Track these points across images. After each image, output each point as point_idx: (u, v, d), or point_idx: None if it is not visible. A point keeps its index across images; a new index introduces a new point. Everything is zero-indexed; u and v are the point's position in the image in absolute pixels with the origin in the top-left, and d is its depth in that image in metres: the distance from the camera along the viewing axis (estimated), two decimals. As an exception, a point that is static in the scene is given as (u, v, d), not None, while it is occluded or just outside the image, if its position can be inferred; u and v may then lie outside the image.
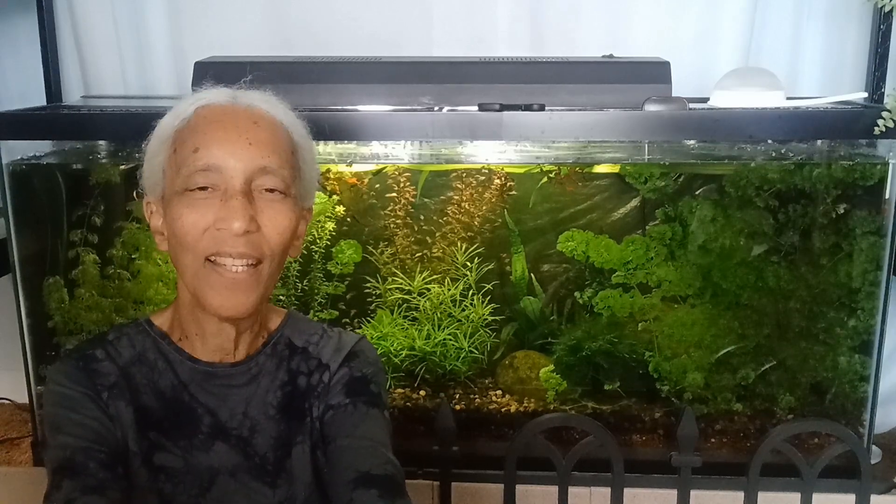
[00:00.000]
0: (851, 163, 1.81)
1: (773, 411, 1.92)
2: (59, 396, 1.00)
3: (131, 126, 1.63)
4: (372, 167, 1.98)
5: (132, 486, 1.00)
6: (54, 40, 2.05)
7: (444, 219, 2.03)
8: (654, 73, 1.73)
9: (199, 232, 0.96)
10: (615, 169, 1.96)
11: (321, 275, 2.01)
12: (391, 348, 1.99)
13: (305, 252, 1.98)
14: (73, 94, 2.13)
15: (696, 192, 1.94)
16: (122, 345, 1.05)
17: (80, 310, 1.93)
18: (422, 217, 2.03)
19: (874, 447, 1.91)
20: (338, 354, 1.10)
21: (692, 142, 1.79)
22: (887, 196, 1.79)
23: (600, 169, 1.96)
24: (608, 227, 2.01)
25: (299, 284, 2.01)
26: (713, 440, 1.92)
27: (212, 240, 0.96)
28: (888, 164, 1.78)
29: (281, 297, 1.98)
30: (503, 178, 2.01)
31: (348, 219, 2.01)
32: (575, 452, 1.70)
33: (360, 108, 1.71)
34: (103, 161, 1.91)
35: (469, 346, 2.01)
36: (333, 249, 2.01)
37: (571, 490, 1.73)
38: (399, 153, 1.81)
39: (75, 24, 2.08)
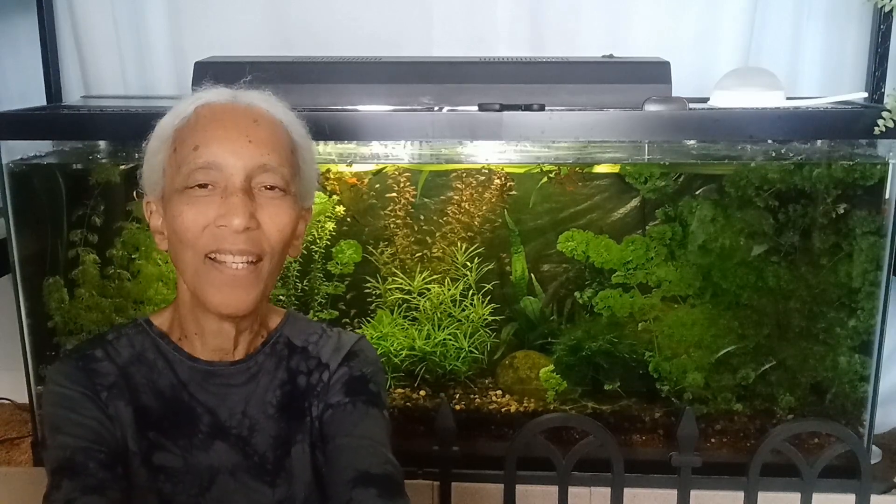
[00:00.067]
0: (851, 163, 1.81)
1: (773, 411, 1.92)
2: (58, 396, 1.00)
3: (131, 126, 1.63)
4: (372, 167, 1.98)
5: (132, 485, 1.00)
6: (54, 40, 2.05)
7: (444, 219, 2.03)
8: (654, 73, 1.73)
9: (199, 229, 0.97)
10: (615, 169, 1.96)
11: (321, 275, 2.01)
12: (391, 348, 1.99)
13: (305, 252, 1.98)
14: (73, 94, 2.13)
15: (696, 192, 1.94)
16: (122, 344, 1.05)
17: (80, 310, 1.93)
18: (422, 217, 2.03)
19: (874, 447, 1.91)
20: (337, 354, 1.10)
21: (692, 142, 1.79)
22: (887, 196, 1.79)
23: (600, 169, 1.97)
24: (608, 227, 2.01)
25: (299, 284, 2.01)
26: (713, 440, 1.92)
27: (212, 237, 0.97)
28: (888, 164, 1.78)
29: (281, 297, 1.98)
30: (503, 178, 2.01)
31: (348, 219, 2.02)
32: (575, 452, 1.69)
33: (360, 108, 1.71)
34: (103, 161, 1.91)
35: (469, 346, 2.01)
36: (333, 249, 2.01)
37: (571, 490, 1.73)
38: (399, 153, 1.81)
39: (75, 24, 2.08)
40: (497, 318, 2.03)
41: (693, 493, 1.76)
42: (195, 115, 1.00)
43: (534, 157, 1.86)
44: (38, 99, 2.06)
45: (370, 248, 2.03)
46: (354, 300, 2.04)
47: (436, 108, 1.69)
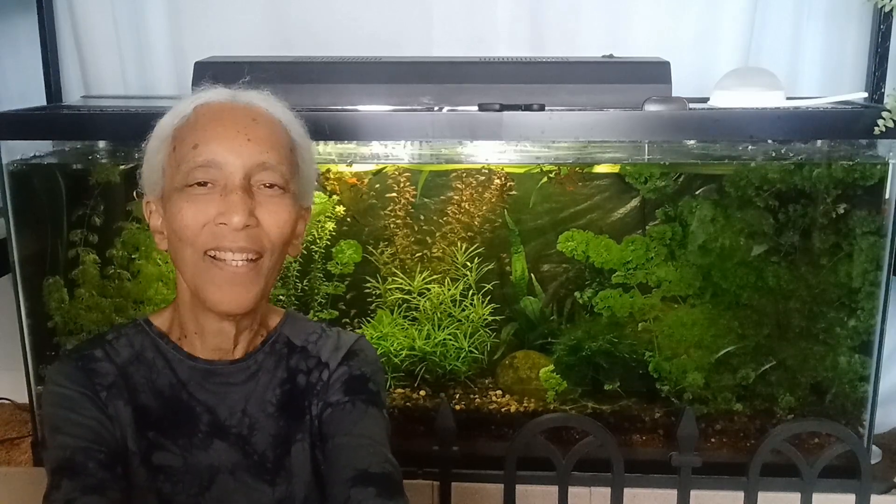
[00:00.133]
0: (851, 163, 1.81)
1: (773, 411, 1.92)
2: (58, 397, 1.00)
3: (131, 126, 1.63)
4: (372, 167, 1.98)
5: (131, 485, 1.00)
6: (54, 40, 2.05)
7: (444, 219, 2.03)
8: (654, 73, 1.73)
9: (199, 226, 0.97)
10: (615, 169, 1.96)
11: (321, 275, 2.01)
12: (391, 348, 1.99)
13: (305, 252, 1.98)
14: (73, 94, 2.13)
15: (696, 192, 1.94)
16: (121, 344, 1.05)
17: (80, 310, 1.93)
18: (422, 217, 2.03)
19: (874, 447, 1.91)
20: (337, 353, 1.11)
21: (692, 142, 1.79)
22: (887, 196, 1.79)
23: (600, 169, 1.97)
24: (608, 227, 2.01)
25: (299, 284, 2.01)
26: (713, 440, 1.92)
27: (211, 235, 0.97)
28: (888, 164, 1.78)
29: (281, 297, 1.98)
30: (503, 178, 2.01)
31: (348, 219, 2.01)
32: (575, 452, 1.69)
33: (360, 108, 1.71)
34: (103, 161, 1.91)
35: (469, 346, 2.01)
36: (333, 249, 2.01)
37: (571, 490, 1.73)
38: (399, 153, 1.81)
39: (75, 24, 2.08)
40: (497, 318, 2.03)
41: (693, 493, 1.76)
42: (194, 115, 1.01)
43: (534, 157, 1.86)
44: (38, 99, 2.06)
45: (370, 248, 2.03)
46: (354, 300, 2.04)
47: (436, 108, 1.69)
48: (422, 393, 2.02)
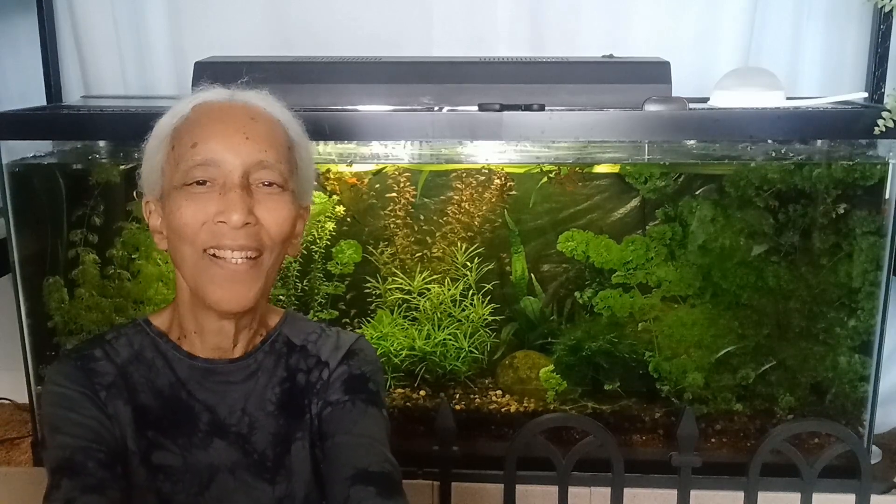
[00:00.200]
0: (851, 163, 1.81)
1: (773, 411, 1.92)
2: (57, 396, 1.00)
3: (131, 126, 1.63)
4: (372, 167, 1.98)
5: (131, 485, 1.00)
6: (54, 40, 2.05)
7: (444, 219, 2.03)
8: (654, 73, 1.73)
9: (198, 225, 0.97)
10: (615, 169, 1.96)
11: (321, 275, 2.01)
12: (391, 348, 1.99)
13: (305, 252, 1.98)
14: (73, 94, 2.13)
15: (696, 192, 1.94)
16: (121, 344, 1.05)
17: (80, 310, 1.93)
18: (422, 217, 2.03)
19: (874, 447, 1.91)
20: (337, 352, 1.11)
21: (692, 142, 1.79)
22: (887, 196, 1.79)
23: (600, 169, 1.97)
24: (608, 227, 2.01)
25: (299, 284, 2.01)
26: (713, 440, 1.92)
27: (211, 234, 0.97)
28: (888, 164, 1.78)
29: (281, 297, 1.98)
30: (503, 178, 2.01)
31: (348, 219, 2.01)
32: (575, 452, 1.69)
33: (360, 108, 1.71)
34: (103, 161, 1.91)
35: (469, 346, 2.01)
36: (333, 249, 2.01)
37: (571, 490, 1.73)
38: (399, 153, 1.81)
39: (75, 24, 2.08)
40: (497, 318, 2.03)
41: (693, 493, 1.76)
42: (193, 114, 1.01)
43: (534, 157, 1.86)
44: (38, 99, 2.06)
45: (370, 248, 2.03)
46: (354, 300, 2.04)
47: (436, 108, 1.69)
48: (422, 393, 2.02)
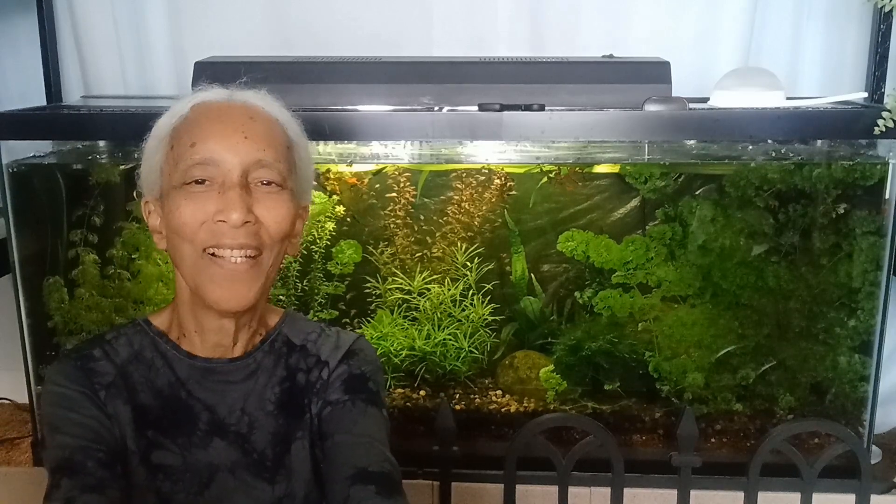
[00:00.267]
0: (851, 163, 1.81)
1: (773, 411, 1.92)
2: (57, 396, 1.00)
3: (131, 126, 1.63)
4: (372, 167, 1.98)
5: (131, 484, 1.00)
6: (54, 40, 2.05)
7: (444, 219, 2.03)
8: (654, 73, 1.73)
9: (198, 224, 0.97)
10: (615, 169, 1.96)
11: (321, 275, 2.01)
12: (391, 348, 1.99)
13: (305, 252, 1.98)
14: (73, 94, 2.13)
15: (696, 192, 1.94)
16: (120, 344, 1.05)
17: (80, 310, 1.93)
18: (422, 217, 2.03)
19: (874, 447, 1.91)
20: (337, 352, 1.11)
21: (692, 142, 1.79)
22: (887, 196, 1.79)
23: (600, 169, 1.96)
24: (608, 227, 2.01)
25: (299, 284, 2.01)
26: (713, 440, 1.92)
27: (210, 233, 0.97)
28: (888, 164, 1.78)
29: (281, 297, 1.98)
30: (503, 178, 2.01)
31: (348, 219, 2.01)
32: (575, 452, 1.69)
33: (360, 108, 1.71)
34: (103, 161, 1.91)
35: (469, 346, 2.01)
36: (333, 249, 2.01)
37: (571, 490, 1.73)
38: (399, 153, 1.82)
39: (75, 24, 2.08)
40: (497, 318, 2.03)
41: (693, 493, 1.76)
42: (192, 114, 1.01)
43: (534, 157, 1.86)
44: (38, 99, 2.06)
45: (370, 248, 2.03)
46: (354, 300, 2.04)
47: (436, 108, 1.69)
48: (422, 393, 2.02)
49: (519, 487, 1.73)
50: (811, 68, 2.05)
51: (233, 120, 1.00)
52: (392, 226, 2.02)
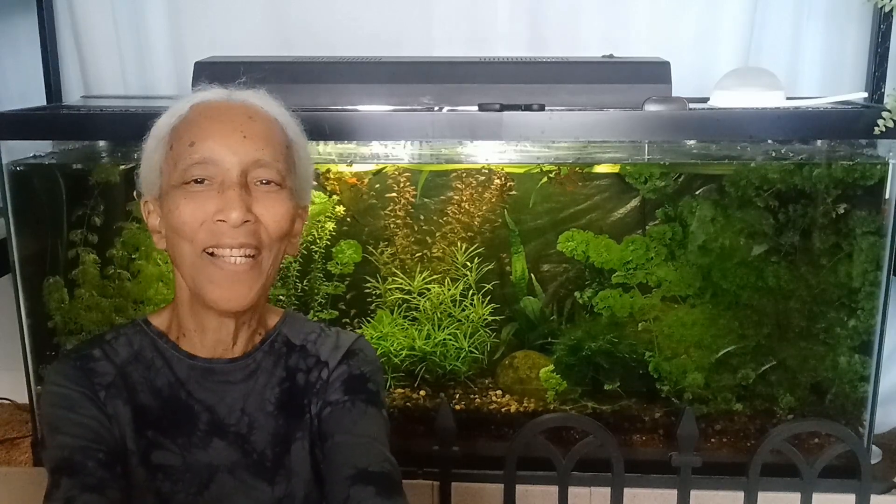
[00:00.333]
0: (851, 163, 1.81)
1: (773, 411, 1.92)
2: (56, 396, 1.00)
3: (131, 126, 1.62)
4: (372, 167, 1.98)
5: (131, 484, 1.00)
6: (54, 40, 2.05)
7: (444, 219, 2.03)
8: (654, 73, 1.73)
9: (197, 223, 0.97)
10: (615, 169, 1.96)
11: (321, 275, 2.01)
12: (391, 348, 1.99)
13: (305, 252, 1.98)
14: (73, 94, 2.13)
15: (696, 192, 1.94)
16: (120, 344, 1.05)
17: (80, 310, 1.93)
18: (422, 217, 2.03)
19: (874, 447, 1.91)
20: (336, 352, 1.11)
21: (692, 142, 1.79)
22: (887, 196, 1.79)
23: (600, 169, 1.96)
24: (608, 227, 2.01)
25: (299, 284, 2.01)
26: (713, 440, 1.92)
27: (210, 233, 0.97)
28: (888, 164, 1.78)
29: (281, 297, 1.98)
30: (503, 178, 2.01)
31: (348, 219, 2.01)
32: (575, 452, 1.69)
33: (360, 108, 1.71)
34: (103, 160, 1.91)
35: (469, 346, 2.01)
36: (333, 249, 2.01)
37: (571, 490, 1.73)
38: (399, 153, 1.81)
39: (75, 24, 2.08)
40: (497, 318, 2.03)
41: (693, 493, 1.76)
42: (191, 113, 1.01)
43: (534, 157, 1.86)
44: (38, 99, 2.06)
45: (370, 248, 2.03)
46: (354, 300, 2.04)
47: (436, 108, 1.69)
48: (422, 393, 2.02)
49: (519, 487, 1.73)
50: (811, 68, 2.05)
51: (232, 119, 1.00)
52: (392, 226, 2.02)
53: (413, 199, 2.01)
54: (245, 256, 0.98)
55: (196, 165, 0.97)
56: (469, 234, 2.03)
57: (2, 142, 1.77)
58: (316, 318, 1.88)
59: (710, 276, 1.91)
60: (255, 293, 1.00)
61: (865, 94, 1.84)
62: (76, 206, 1.92)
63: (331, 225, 1.99)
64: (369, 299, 2.04)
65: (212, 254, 0.98)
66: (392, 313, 2.02)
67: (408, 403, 1.99)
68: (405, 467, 1.03)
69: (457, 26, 2.05)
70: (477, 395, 2.03)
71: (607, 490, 1.73)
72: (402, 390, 2.02)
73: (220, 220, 0.97)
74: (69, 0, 2.06)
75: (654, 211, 1.96)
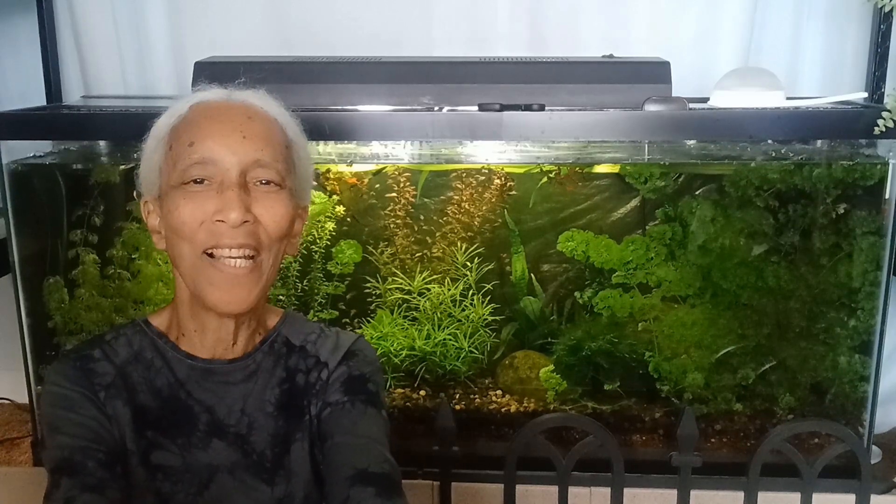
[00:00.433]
0: (851, 163, 1.81)
1: (773, 411, 1.92)
2: (56, 397, 1.00)
3: (131, 126, 1.61)
4: (372, 167, 1.98)
5: (130, 485, 1.00)
6: (54, 40, 2.05)
7: (444, 219, 2.03)
8: (654, 73, 1.73)
9: (197, 224, 0.97)
10: (615, 169, 1.96)
11: (321, 275, 2.01)
12: (391, 348, 1.99)
13: (305, 252, 1.98)
14: (73, 94, 2.13)
15: (696, 192, 1.94)
16: (120, 344, 1.05)
17: (80, 310, 1.93)
18: (422, 217, 2.03)
19: (874, 447, 1.91)
20: (336, 353, 1.11)
21: (692, 142, 1.79)
22: (887, 196, 1.79)
23: (600, 169, 1.96)
24: (608, 227, 2.01)
25: (299, 284, 2.01)
26: (713, 440, 1.92)
27: (209, 233, 0.97)
28: (888, 164, 1.78)
29: (281, 297, 1.98)
30: (503, 178, 2.01)
31: (348, 219, 2.01)
32: (575, 452, 1.69)
33: (360, 108, 1.71)
34: (103, 160, 1.91)
35: (469, 346, 2.01)
36: (333, 249, 2.01)
37: (571, 490, 1.73)
38: (399, 153, 1.81)
39: (75, 24, 2.08)
40: (497, 318, 2.03)
41: (693, 493, 1.76)
42: (190, 113, 1.01)
43: (534, 157, 1.86)
44: (38, 99, 2.06)
45: (370, 248, 2.03)
46: (354, 300, 2.04)
47: (436, 108, 1.69)
48: (422, 393, 2.02)
49: (519, 487, 1.73)
50: (811, 68, 2.05)
51: (231, 120, 1.00)
52: (392, 226, 2.02)
53: (413, 199, 2.01)
54: (244, 258, 0.98)
55: (195, 165, 0.97)
56: (469, 234, 2.03)
57: (2, 142, 1.77)
58: (316, 318, 1.88)
59: (710, 276, 1.91)
60: (255, 296, 1.00)
61: (865, 94, 1.84)
62: (76, 206, 1.92)
63: (331, 225, 1.99)
64: (369, 299, 2.04)
65: (211, 255, 0.98)
66: (392, 313, 2.02)
67: (408, 403, 1.99)
68: (405, 467, 1.03)
69: (457, 26, 2.05)
70: (477, 395, 2.03)
71: (607, 490, 1.73)
72: (402, 390, 2.02)
73: (220, 221, 0.97)
74: (69, 0, 2.06)
75: (654, 211, 1.96)
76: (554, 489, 1.72)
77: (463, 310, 2.02)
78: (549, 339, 2.03)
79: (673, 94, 1.69)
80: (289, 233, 1.03)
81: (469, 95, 1.69)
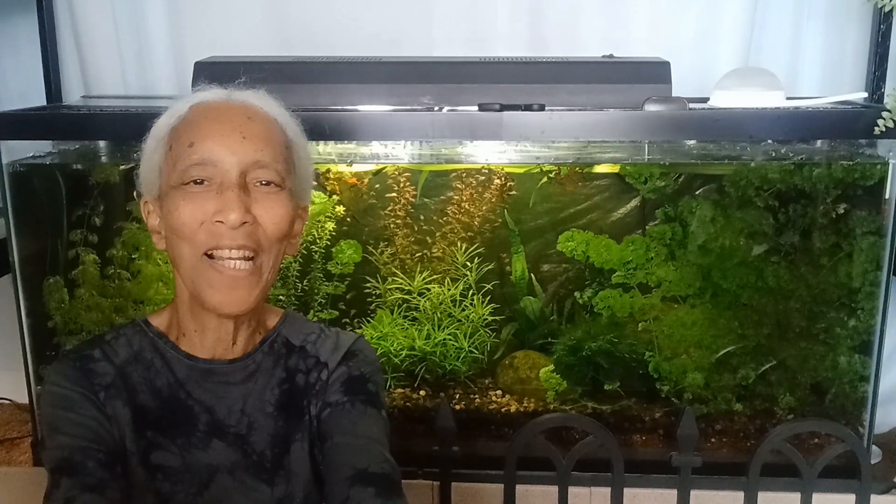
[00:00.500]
0: (851, 163, 1.81)
1: (773, 411, 1.92)
2: (56, 397, 1.00)
3: (131, 126, 1.62)
4: (372, 167, 1.98)
5: (130, 485, 1.00)
6: (54, 40, 2.05)
7: (444, 219, 2.03)
8: (654, 73, 1.73)
9: (196, 224, 0.97)
10: (615, 169, 1.96)
11: (321, 275, 2.01)
12: (391, 348, 1.99)
13: (305, 252, 1.98)
14: (73, 94, 2.13)
15: (696, 192, 1.94)
16: (120, 344, 1.05)
17: (80, 310, 1.93)
18: (422, 217, 2.03)
19: (874, 447, 1.91)
20: (336, 353, 1.11)
21: (692, 142, 1.79)
22: (887, 196, 1.79)
23: (600, 169, 1.97)
24: (608, 227, 2.01)
25: (299, 284, 2.01)
26: (713, 440, 1.92)
27: (209, 234, 0.97)
28: (888, 164, 1.78)
29: (281, 297, 1.98)
30: (503, 178, 2.01)
31: (348, 219, 2.01)
32: (575, 452, 1.70)
33: (360, 108, 1.71)
34: (103, 160, 1.91)
35: (469, 346, 2.01)
36: (333, 249, 2.01)
37: (571, 490, 1.73)
38: (399, 153, 1.81)
39: (75, 24, 2.08)
40: (497, 318, 2.03)
41: (693, 493, 1.76)
42: (190, 113, 1.01)
43: (534, 157, 1.86)
44: (38, 99, 2.06)
45: (370, 248, 2.03)
46: (354, 300, 2.04)
47: (436, 108, 1.69)
48: (422, 393, 2.02)
49: (519, 487, 1.73)
50: (811, 68, 2.05)
51: (231, 120, 0.99)
52: (392, 226, 2.02)
53: (413, 199, 2.01)
54: (244, 259, 0.98)
55: (195, 166, 0.97)
56: (469, 234, 2.03)
57: (2, 142, 1.77)
58: (316, 318, 1.88)
59: (710, 276, 1.91)
60: (255, 297, 1.00)
61: (865, 94, 1.84)
62: (76, 206, 1.92)
63: (331, 225, 1.99)
64: (369, 299, 2.04)
65: (211, 256, 0.98)
66: (392, 313, 2.02)
67: (408, 403, 1.99)
68: (405, 467, 1.03)
69: (457, 26, 2.05)
70: (477, 395, 2.03)
71: (607, 490, 1.73)
72: (402, 390, 2.02)
73: (219, 222, 0.96)
74: (69, 0, 2.06)
75: (654, 211, 1.96)
76: (554, 489, 1.72)
77: (463, 310, 2.02)
78: (549, 339, 2.03)
79: (673, 94, 1.69)
80: (289, 233, 1.03)
81: (469, 95, 1.69)
